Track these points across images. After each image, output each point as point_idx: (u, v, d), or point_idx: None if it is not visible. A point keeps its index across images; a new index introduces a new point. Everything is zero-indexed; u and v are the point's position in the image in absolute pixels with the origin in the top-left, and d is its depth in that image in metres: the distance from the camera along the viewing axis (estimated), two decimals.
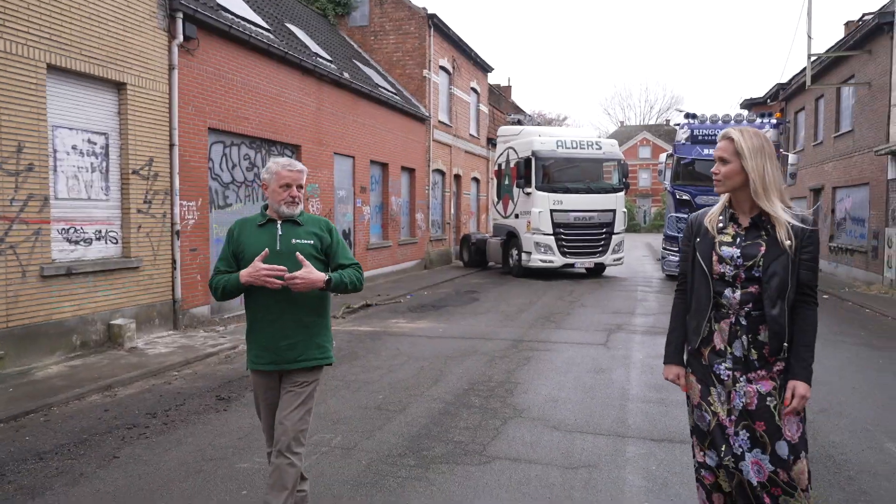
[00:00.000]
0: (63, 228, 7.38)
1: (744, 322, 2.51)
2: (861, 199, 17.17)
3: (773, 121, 15.81)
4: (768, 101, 26.22)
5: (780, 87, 24.57)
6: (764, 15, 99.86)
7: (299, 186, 3.06)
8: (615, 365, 7.01)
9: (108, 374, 6.55)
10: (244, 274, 2.92)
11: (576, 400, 5.64)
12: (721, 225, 2.60)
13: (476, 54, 23.63)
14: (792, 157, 16.04)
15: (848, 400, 5.73)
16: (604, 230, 16.48)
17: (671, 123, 62.36)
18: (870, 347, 8.30)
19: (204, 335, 8.75)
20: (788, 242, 2.46)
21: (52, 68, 7.10)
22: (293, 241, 3.02)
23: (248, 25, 10.93)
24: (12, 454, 4.40)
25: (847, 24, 22.35)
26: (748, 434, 2.46)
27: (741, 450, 2.46)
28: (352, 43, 19.65)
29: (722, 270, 2.54)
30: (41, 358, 6.93)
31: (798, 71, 22.33)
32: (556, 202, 16.02)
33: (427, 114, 19.27)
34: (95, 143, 7.82)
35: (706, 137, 15.70)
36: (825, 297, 13.72)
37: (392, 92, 17.46)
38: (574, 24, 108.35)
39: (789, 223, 2.46)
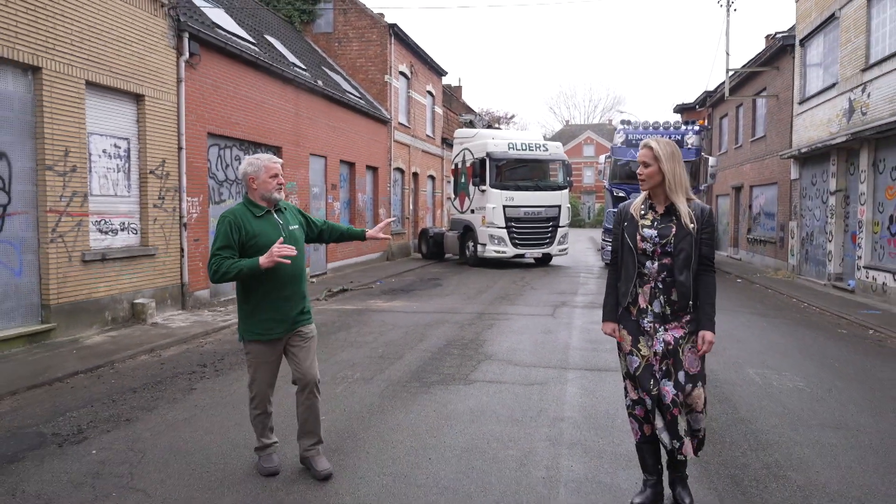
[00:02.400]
0: (97, 220, 8.65)
1: (661, 286, 3.19)
2: (772, 196, 19.61)
3: (696, 127, 17.96)
4: (697, 106, 28.66)
5: (708, 95, 27.04)
6: (698, 25, 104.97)
7: (282, 175, 3.75)
8: (560, 328, 8.79)
9: (146, 342, 7.90)
10: (264, 260, 3.40)
11: (530, 350, 7.37)
12: (643, 212, 3.27)
13: (432, 59, 25.20)
14: (712, 160, 18.23)
15: (730, 346, 7.66)
16: (550, 224, 18.35)
17: (613, 123, 65.32)
18: (760, 316, 10.36)
19: (210, 314, 10.11)
20: (692, 225, 3.15)
21: (89, 84, 8.36)
22: (290, 227, 3.76)
23: (238, 41, 12.26)
24: (110, 389, 5.80)
25: (767, 37, 24.52)
26: (664, 368, 3.19)
27: (662, 379, 3.18)
28: (317, 49, 20.93)
29: (644, 247, 3.19)
30: (83, 330, 8.21)
31: (722, 80, 24.75)
32: (509, 199, 17.77)
33: (388, 116, 20.75)
34: (120, 147, 9.09)
35: (639, 141, 17.76)
36: (739, 280, 15.96)
37: (357, 96, 18.89)
38: (522, 26, 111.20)
39: (691, 212, 3.17)
